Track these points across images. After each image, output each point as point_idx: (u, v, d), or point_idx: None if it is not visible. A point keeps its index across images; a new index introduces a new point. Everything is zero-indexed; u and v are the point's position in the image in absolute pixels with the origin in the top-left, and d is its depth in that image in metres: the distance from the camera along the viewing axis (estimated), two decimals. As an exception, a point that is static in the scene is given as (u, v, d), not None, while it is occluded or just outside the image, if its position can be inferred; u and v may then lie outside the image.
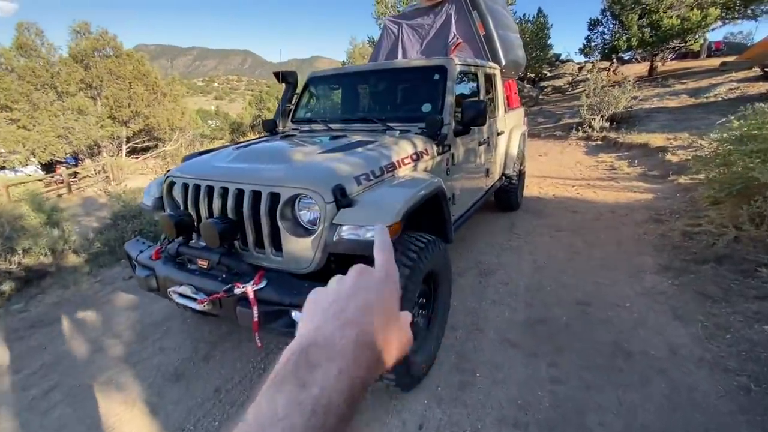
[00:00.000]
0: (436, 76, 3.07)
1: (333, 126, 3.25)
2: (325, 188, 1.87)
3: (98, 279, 4.22)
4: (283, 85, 3.77)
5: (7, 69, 16.85)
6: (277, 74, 3.63)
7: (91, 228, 6.65)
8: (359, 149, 2.36)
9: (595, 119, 10.09)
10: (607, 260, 3.78)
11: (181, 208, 2.30)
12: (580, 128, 10.32)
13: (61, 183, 15.24)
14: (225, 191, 2.09)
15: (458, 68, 3.13)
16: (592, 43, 21.72)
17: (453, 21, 5.04)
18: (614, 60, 21.18)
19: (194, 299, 1.93)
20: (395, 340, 0.34)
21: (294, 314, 1.77)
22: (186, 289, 1.97)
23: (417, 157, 2.53)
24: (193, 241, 2.24)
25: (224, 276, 1.99)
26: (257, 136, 4.06)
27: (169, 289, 2.05)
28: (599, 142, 9.56)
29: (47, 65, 17.53)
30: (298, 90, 3.80)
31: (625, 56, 21.97)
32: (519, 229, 4.74)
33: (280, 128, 3.62)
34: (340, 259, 2.00)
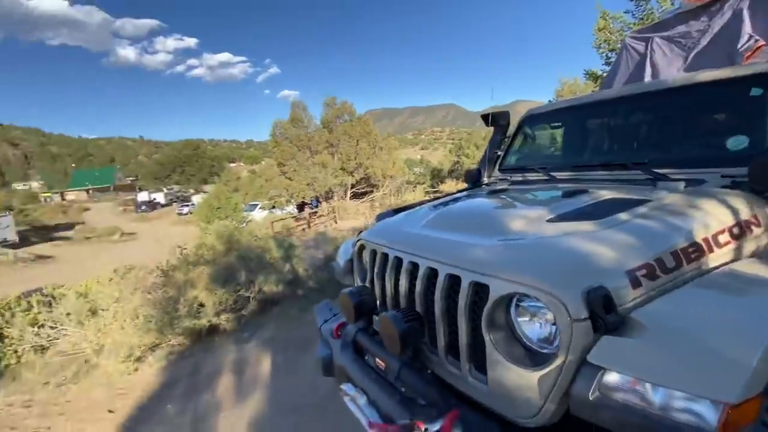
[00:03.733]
0: (757, 92, 1.82)
1: (559, 175, 2.39)
2: (569, 289, 1.07)
3: (307, 319, 4.53)
4: (493, 129, 3.20)
5: (284, 137, 23.29)
6: (485, 116, 3.09)
7: (313, 263, 7.72)
8: (621, 215, 1.44)
9: None
10: None
11: (367, 280, 1.93)
12: None
13: (305, 221, 19.40)
14: (415, 267, 1.57)
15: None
16: None
17: (746, 17, 3.42)
18: None
19: (365, 416, 1.43)
20: None
21: None
22: (358, 397, 1.50)
23: (741, 231, 1.39)
24: (375, 323, 1.80)
25: (404, 393, 1.42)
26: (456, 190, 3.57)
27: (341, 386, 1.64)
28: None
29: (307, 132, 23.30)
30: (510, 133, 3.15)
31: None
32: None
33: (485, 178, 3.01)
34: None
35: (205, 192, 47.63)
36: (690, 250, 1.24)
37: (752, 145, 1.76)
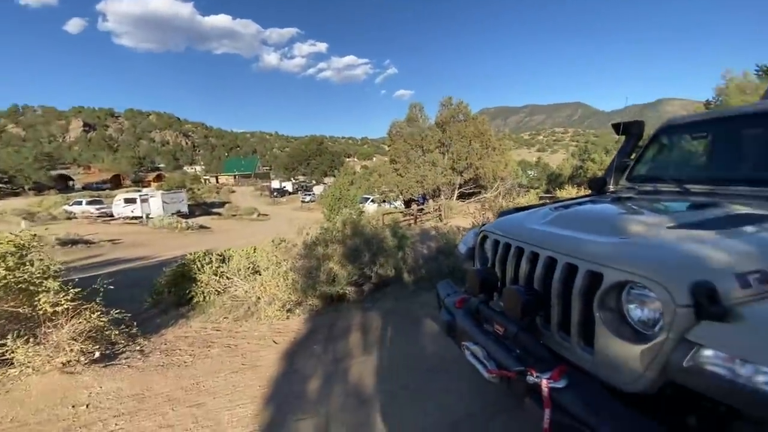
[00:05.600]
0: None
1: (693, 188, 2.39)
2: (677, 281, 1.29)
3: (417, 300, 5.06)
4: (623, 138, 3.20)
5: (399, 135, 24.49)
6: (616, 125, 3.12)
7: (421, 255, 8.28)
8: (748, 228, 1.54)
9: None
10: None
11: (489, 264, 2.30)
12: None
13: (411, 216, 20.24)
14: (535, 257, 1.90)
15: None
16: None
17: None
18: None
19: (484, 365, 1.82)
20: None
21: (600, 445, 1.29)
22: (478, 351, 1.90)
23: None
24: (495, 300, 2.17)
25: (519, 352, 1.77)
26: (577, 195, 3.63)
27: (463, 342, 2.06)
28: None
29: (421, 131, 24.09)
30: (643, 142, 3.12)
31: None
32: None
33: (611, 187, 3.06)
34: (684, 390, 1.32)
35: (325, 183, 52.54)
36: (818, 265, 1.32)
37: None
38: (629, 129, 3.07)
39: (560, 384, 1.48)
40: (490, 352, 1.85)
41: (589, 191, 3.18)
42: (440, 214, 20.35)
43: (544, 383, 1.48)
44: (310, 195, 44.25)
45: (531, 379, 1.53)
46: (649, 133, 3.25)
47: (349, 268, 5.17)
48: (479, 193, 25.23)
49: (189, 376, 3.34)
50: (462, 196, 25.65)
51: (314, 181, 63.93)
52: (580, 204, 2.49)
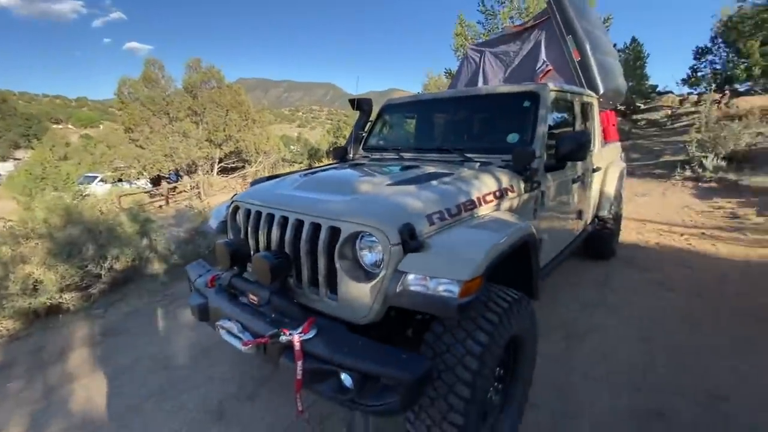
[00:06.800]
0: (527, 104, 2.70)
1: (405, 155, 3.02)
2: (391, 226, 1.59)
3: (170, 292, 4.38)
4: (359, 113, 3.67)
5: (134, 98, 19.92)
6: (352, 101, 3.54)
7: (175, 239, 7.19)
8: (433, 182, 2.07)
9: (707, 157, 8.66)
10: (747, 338, 2.93)
11: (241, 236, 2.18)
12: (687, 167, 8.94)
13: (162, 196, 17.25)
14: (285, 221, 1.92)
15: (553, 95, 2.73)
16: (699, 73, 19.51)
17: (543, 47, 4.65)
18: (726, 92, 18.54)
19: (239, 339, 1.74)
20: None
21: (344, 377, 1.47)
22: (233, 326, 1.79)
23: (501, 194, 2.16)
24: (248, 272, 2.09)
25: (273, 317, 1.77)
26: (327, 163, 3.97)
27: (217, 323, 1.90)
28: (713, 185, 8.13)
29: (164, 95, 20.39)
30: (373, 118, 3.67)
31: (741, 88, 19.18)
32: (615, 284, 3.99)
33: (351, 155, 3.48)
34: (403, 313, 1.67)
35: (17, 159, 37.42)
36: (468, 203, 1.92)
37: (521, 140, 2.62)
38: (362, 106, 3.54)
39: (310, 335, 1.58)
40: (245, 325, 1.77)
41: (334, 160, 3.52)
42: (199, 192, 18.27)
43: (296, 338, 1.54)
44: (-12, 176, 30.36)
45: (284, 338, 1.56)
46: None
47: (61, 268, 3.87)
48: (243, 167, 24.09)
49: None
50: (224, 171, 23.82)
51: (-5, 156, 44.16)
52: (324, 171, 2.70)
